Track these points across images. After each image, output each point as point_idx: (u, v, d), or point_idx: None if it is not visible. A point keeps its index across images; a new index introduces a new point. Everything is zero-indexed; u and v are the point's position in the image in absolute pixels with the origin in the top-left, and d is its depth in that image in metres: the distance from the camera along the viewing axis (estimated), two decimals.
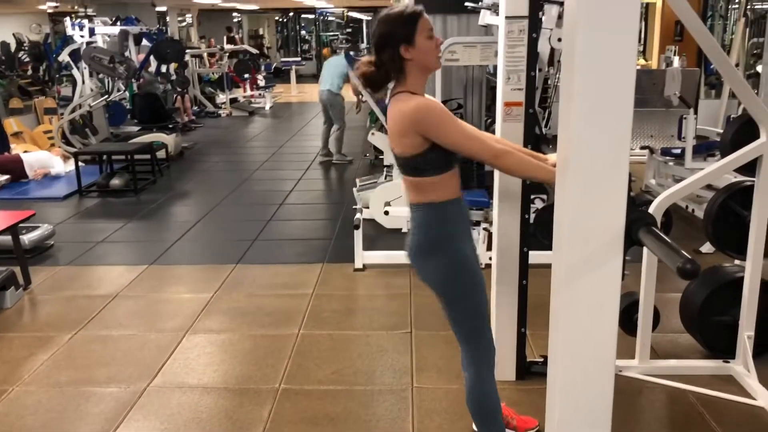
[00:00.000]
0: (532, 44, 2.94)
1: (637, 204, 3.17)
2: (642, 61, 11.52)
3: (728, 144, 3.21)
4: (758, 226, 3.08)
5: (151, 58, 11.28)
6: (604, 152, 1.69)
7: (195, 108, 13.46)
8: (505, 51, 2.97)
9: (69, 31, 11.14)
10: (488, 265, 3.20)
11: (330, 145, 8.67)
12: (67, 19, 11.59)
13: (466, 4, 4.81)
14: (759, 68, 7.17)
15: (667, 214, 3.17)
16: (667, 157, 6.13)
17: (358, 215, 4.92)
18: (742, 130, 3.19)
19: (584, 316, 1.80)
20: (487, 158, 2.25)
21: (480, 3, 4.69)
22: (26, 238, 5.06)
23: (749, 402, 3.01)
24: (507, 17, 2.93)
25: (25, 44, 17.72)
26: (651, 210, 3.11)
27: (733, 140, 3.19)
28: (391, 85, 2.29)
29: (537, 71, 3.08)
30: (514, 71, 2.98)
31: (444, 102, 5.28)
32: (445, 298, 2.36)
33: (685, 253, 1.53)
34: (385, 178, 6.23)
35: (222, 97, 14.66)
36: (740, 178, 3.33)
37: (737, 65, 8.63)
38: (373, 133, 6.24)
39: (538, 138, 3.15)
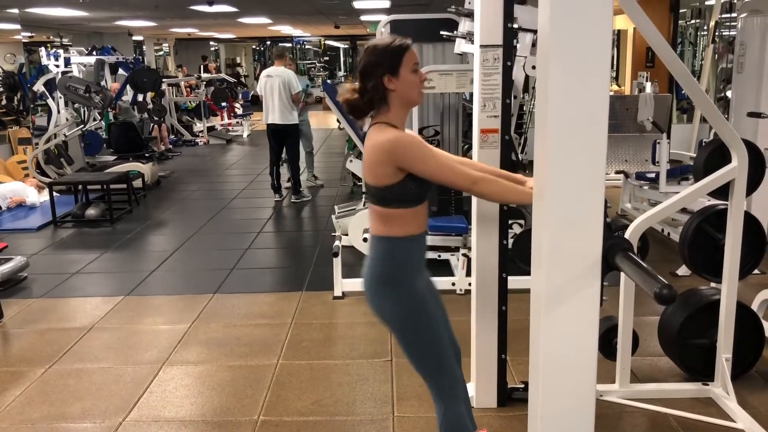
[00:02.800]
0: (507, 72, 2.98)
1: (613, 229, 3.19)
2: (615, 87, 11.71)
3: (701, 168, 3.26)
4: (732, 249, 3.12)
5: (128, 87, 11.27)
6: (580, 178, 1.71)
7: (172, 137, 13.41)
8: (480, 79, 3.01)
9: (44, 61, 11.11)
10: (468, 291, 3.20)
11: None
12: (42, 48, 11.55)
13: (441, 32, 4.87)
14: (728, 93, 7.34)
15: (643, 238, 3.21)
16: (642, 181, 6.21)
17: (336, 243, 4.90)
18: (715, 154, 3.25)
19: (564, 342, 1.80)
20: (464, 186, 2.24)
21: (455, 32, 4.75)
22: None
23: (729, 425, 3.02)
24: (482, 46, 2.97)
25: None
26: (627, 234, 3.13)
27: (706, 164, 3.24)
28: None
29: (512, 98, 3.11)
30: (490, 99, 3.01)
31: (421, 129, 5.32)
32: (399, 333, 2.33)
33: (662, 279, 1.54)
34: (364, 205, 6.23)
35: (199, 126, 14.63)
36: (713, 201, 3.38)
37: (707, 90, 8.81)
38: (351, 161, 6.25)
39: (514, 164, 3.17)
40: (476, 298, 3.16)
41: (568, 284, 1.76)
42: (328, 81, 6.45)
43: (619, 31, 11.70)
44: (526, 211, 5.08)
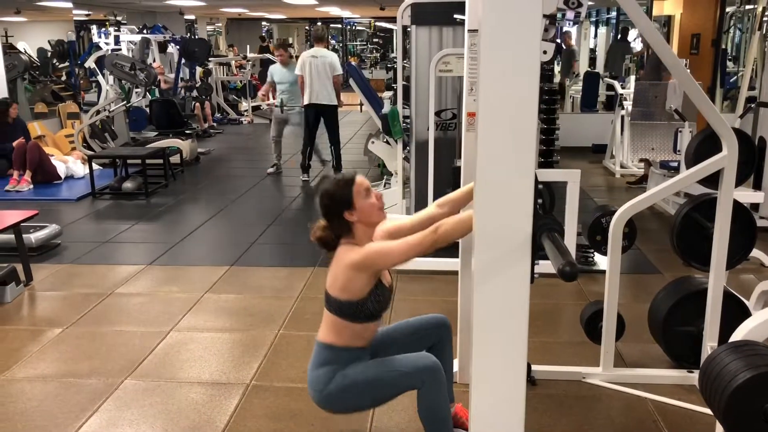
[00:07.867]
0: None
1: (603, 214, 3.24)
2: None
3: (691, 157, 3.25)
4: (720, 238, 3.12)
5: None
6: (509, 165, 1.78)
7: (218, 115, 13.72)
8: (468, 63, 3.07)
9: (95, 39, 11.53)
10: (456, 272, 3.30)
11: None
12: (94, 26, 11.98)
13: (455, 16, 4.91)
14: None
15: (629, 224, 3.24)
16: (665, 171, 6.15)
17: None
18: (706, 143, 3.24)
19: (495, 318, 1.88)
20: (430, 246, 2.38)
21: None
22: (33, 237, 5.28)
23: (706, 411, 3.03)
24: (469, 30, 3.03)
25: (52, 43, 18.24)
26: (613, 220, 3.17)
27: (696, 153, 3.23)
28: None
29: None
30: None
31: (438, 112, 5.38)
32: (356, 407, 2.63)
33: (570, 257, 1.62)
34: (384, 186, 6.34)
35: (245, 105, 14.91)
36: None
37: (753, 77, 8.56)
38: (372, 142, 6.36)
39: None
40: (461, 278, 3.25)
41: (498, 261, 1.83)
42: (352, 63, 6.56)
43: (669, 17, 11.42)
44: None
